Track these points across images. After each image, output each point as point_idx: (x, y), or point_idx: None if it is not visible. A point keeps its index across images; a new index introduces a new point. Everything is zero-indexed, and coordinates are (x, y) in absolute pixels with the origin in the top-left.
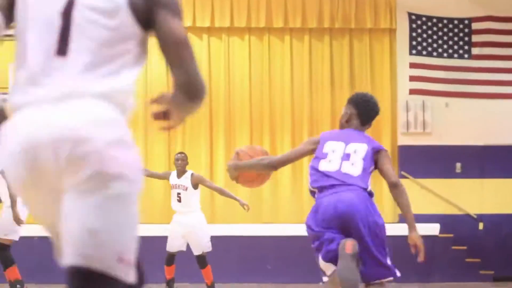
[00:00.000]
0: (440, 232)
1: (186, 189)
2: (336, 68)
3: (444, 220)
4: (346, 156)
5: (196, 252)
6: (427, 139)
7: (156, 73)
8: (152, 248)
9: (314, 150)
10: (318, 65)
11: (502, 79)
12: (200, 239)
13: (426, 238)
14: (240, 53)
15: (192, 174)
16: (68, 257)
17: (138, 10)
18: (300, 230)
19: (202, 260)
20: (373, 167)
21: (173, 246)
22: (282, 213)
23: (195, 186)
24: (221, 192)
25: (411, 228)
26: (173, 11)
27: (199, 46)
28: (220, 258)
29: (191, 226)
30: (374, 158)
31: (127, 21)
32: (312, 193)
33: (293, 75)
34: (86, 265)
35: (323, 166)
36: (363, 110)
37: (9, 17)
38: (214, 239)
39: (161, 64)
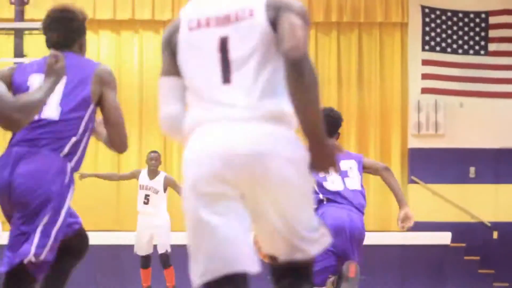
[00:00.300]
0: (452, 241)
1: (157, 192)
2: (343, 64)
3: (457, 228)
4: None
5: (161, 250)
6: (440, 141)
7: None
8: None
9: None
10: (325, 61)
11: None
12: (166, 238)
13: (437, 247)
14: None
15: (165, 177)
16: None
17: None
18: None
19: (166, 259)
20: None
21: (142, 248)
22: None
23: (165, 189)
24: None
25: (404, 204)
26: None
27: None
28: None
29: (158, 226)
30: None
31: (271, 41)
32: None
33: None
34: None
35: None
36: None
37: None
38: None
39: (155, 57)
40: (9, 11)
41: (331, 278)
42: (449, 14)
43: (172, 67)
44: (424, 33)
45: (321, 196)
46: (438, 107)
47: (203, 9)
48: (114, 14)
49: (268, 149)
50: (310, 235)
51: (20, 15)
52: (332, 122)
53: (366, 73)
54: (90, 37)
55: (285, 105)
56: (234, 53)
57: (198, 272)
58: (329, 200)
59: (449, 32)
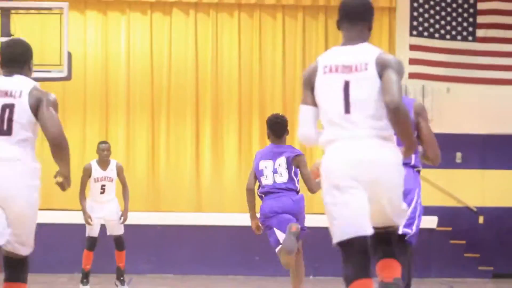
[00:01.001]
0: (438, 225)
1: (112, 180)
2: (330, 48)
3: (443, 213)
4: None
5: (117, 232)
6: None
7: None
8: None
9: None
10: (312, 43)
11: (508, 64)
12: (118, 221)
13: (423, 231)
14: (229, 30)
15: (117, 164)
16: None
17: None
18: None
19: (121, 241)
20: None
21: (94, 230)
22: None
23: (117, 176)
24: (124, 190)
25: None
26: (394, 70)
27: (185, 23)
28: (208, 248)
29: (111, 211)
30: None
31: (378, 87)
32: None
33: (285, 54)
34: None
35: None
36: (274, 129)
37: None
38: (202, 229)
39: (144, 42)
40: None
41: None
42: None
43: (310, 99)
44: (412, 18)
45: None
46: (425, 92)
47: (334, 59)
48: None
49: (381, 157)
50: (402, 213)
51: None
52: (282, 125)
53: None
54: (76, 17)
55: (389, 129)
56: (353, 93)
57: (336, 235)
58: None
59: (437, 17)
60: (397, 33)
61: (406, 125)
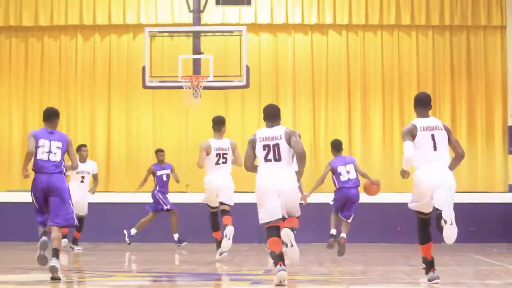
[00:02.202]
0: None
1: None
2: (455, 60)
3: None
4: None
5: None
6: None
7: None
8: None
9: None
10: (440, 57)
11: None
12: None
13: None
14: (373, 48)
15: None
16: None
17: None
18: None
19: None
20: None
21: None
22: None
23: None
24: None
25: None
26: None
27: (338, 42)
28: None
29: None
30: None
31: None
32: None
33: (419, 67)
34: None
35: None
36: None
37: None
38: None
39: (306, 58)
40: (188, 17)
41: None
42: None
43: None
44: None
45: None
46: None
47: (424, 122)
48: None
49: (446, 177)
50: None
51: (197, 21)
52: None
53: (473, 67)
54: (252, 38)
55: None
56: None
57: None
58: None
59: None
60: (508, 48)
61: None
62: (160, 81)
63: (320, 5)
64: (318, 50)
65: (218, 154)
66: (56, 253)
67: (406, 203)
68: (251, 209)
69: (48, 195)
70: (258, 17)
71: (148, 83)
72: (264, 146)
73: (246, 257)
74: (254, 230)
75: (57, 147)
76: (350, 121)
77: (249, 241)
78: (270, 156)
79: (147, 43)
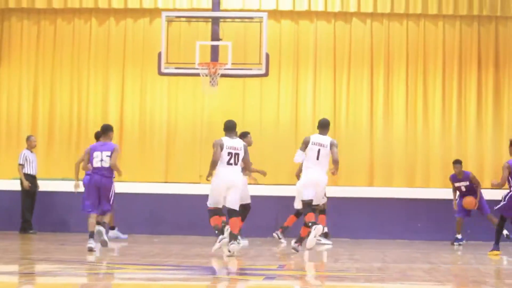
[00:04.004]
0: None
1: None
2: (482, 50)
3: None
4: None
5: None
6: None
7: None
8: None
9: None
10: (467, 48)
11: None
12: None
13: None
14: (398, 36)
15: None
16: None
17: None
18: None
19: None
20: None
21: None
22: None
23: None
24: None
25: None
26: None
27: (362, 30)
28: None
29: None
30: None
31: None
32: None
33: (445, 56)
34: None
35: None
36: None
37: None
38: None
39: (328, 44)
40: (207, 2)
41: None
42: None
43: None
44: None
45: None
46: None
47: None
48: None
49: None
50: None
51: (216, 6)
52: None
53: (501, 58)
54: (272, 25)
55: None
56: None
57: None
58: None
59: None
60: None
61: None
62: (176, 68)
63: None
64: (341, 39)
65: (229, 153)
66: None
67: (427, 199)
68: (265, 203)
69: None
70: (280, 4)
71: (164, 70)
72: (229, 153)
73: (260, 251)
74: (268, 224)
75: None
76: (372, 116)
77: (263, 235)
78: (231, 161)
79: (164, 28)
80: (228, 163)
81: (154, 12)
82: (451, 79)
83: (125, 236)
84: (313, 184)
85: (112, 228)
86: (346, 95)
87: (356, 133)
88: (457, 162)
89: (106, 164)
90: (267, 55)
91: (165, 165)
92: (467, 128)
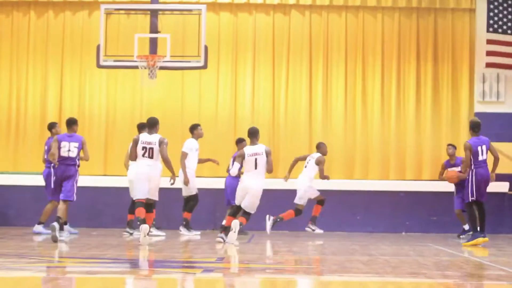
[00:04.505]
0: (510, 189)
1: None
2: (421, 43)
3: None
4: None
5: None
6: (501, 107)
7: None
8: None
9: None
10: (406, 40)
11: None
12: None
13: (497, 195)
14: (337, 28)
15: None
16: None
17: None
18: None
19: None
20: None
21: None
22: None
23: None
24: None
25: None
26: None
27: (301, 23)
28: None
29: None
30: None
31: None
32: None
33: (384, 48)
34: None
35: None
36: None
37: None
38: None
39: (267, 35)
40: None
41: None
42: (509, 1)
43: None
44: (489, 17)
45: None
46: (499, 79)
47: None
48: None
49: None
50: None
51: None
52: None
53: (440, 50)
54: (211, 17)
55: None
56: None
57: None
58: None
59: (510, 16)
60: (476, 30)
61: None
62: (115, 61)
63: None
64: (279, 32)
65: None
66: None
67: (369, 191)
68: (204, 196)
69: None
70: None
71: (102, 63)
72: (143, 148)
73: (198, 244)
74: (207, 217)
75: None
76: (311, 108)
77: (202, 228)
78: (146, 154)
79: (103, 21)
80: (143, 156)
81: (93, 5)
82: (390, 71)
83: (76, 231)
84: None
85: (65, 223)
86: (285, 87)
87: (294, 125)
88: (450, 145)
89: (73, 154)
90: (206, 48)
91: (104, 158)
92: (405, 120)
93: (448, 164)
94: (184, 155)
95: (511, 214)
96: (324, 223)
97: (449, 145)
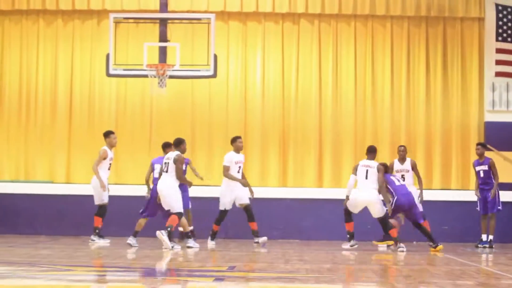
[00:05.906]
0: None
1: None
2: (431, 52)
3: None
4: None
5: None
6: (511, 116)
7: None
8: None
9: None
10: (415, 49)
11: None
12: None
13: (506, 204)
14: (346, 37)
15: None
16: None
17: None
18: None
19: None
20: None
21: None
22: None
23: None
24: None
25: None
26: None
27: (310, 31)
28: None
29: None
30: None
31: None
32: None
33: (393, 57)
34: None
35: None
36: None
37: None
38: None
39: (276, 48)
40: (155, 4)
41: None
42: None
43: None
44: (498, 26)
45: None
46: (509, 88)
47: None
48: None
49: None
50: None
51: (164, 7)
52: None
53: (449, 59)
54: (221, 26)
55: None
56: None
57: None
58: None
59: None
60: (485, 39)
61: None
62: (124, 69)
63: None
64: (288, 40)
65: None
66: None
67: None
68: (214, 205)
69: None
70: (227, 5)
71: (112, 71)
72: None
73: (210, 253)
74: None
75: None
76: (321, 118)
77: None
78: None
79: (112, 30)
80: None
81: (102, 13)
82: (400, 80)
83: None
84: None
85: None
86: (294, 96)
87: (305, 134)
88: (479, 144)
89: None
90: (215, 56)
91: (115, 167)
92: (415, 130)
93: (477, 163)
94: (225, 169)
95: None
96: (334, 232)
97: (478, 144)
